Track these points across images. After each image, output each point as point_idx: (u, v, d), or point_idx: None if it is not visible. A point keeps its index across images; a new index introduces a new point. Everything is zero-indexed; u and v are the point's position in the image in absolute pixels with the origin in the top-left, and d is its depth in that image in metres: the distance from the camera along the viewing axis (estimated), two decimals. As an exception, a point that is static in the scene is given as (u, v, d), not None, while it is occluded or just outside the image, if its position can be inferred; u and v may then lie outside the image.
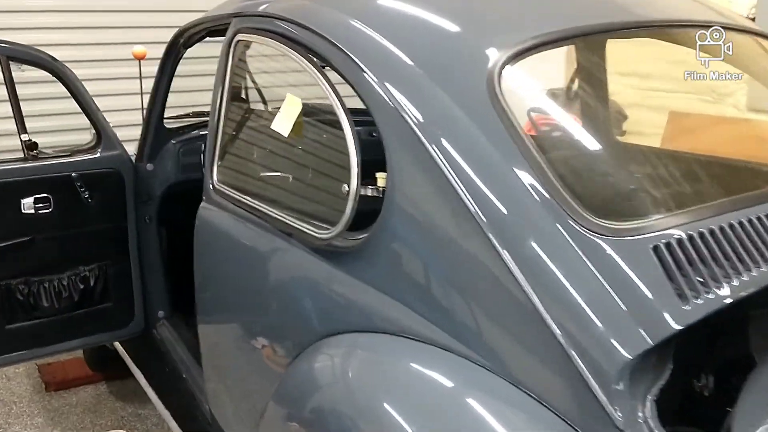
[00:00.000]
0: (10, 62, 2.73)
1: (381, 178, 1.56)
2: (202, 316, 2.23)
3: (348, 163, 1.59)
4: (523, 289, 1.27)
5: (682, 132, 3.95)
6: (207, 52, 2.81)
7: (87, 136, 3.11)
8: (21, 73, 2.78)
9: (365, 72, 1.58)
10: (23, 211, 2.79)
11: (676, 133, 4.03)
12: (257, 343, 1.94)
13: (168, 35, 2.83)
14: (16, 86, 2.76)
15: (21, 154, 2.84)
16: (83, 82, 2.88)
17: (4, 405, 3.66)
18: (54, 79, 2.83)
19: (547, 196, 1.33)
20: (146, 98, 3.02)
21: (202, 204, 2.19)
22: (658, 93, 4.28)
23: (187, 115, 3.30)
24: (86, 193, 2.88)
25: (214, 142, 2.13)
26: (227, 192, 2.07)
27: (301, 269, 1.75)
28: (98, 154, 2.94)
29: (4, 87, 2.75)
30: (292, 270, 1.80)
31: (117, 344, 3.37)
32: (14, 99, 2.77)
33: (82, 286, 2.97)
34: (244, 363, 2.03)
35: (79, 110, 2.91)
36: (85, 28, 5.35)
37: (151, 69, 3.00)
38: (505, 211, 1.35)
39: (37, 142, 2.83)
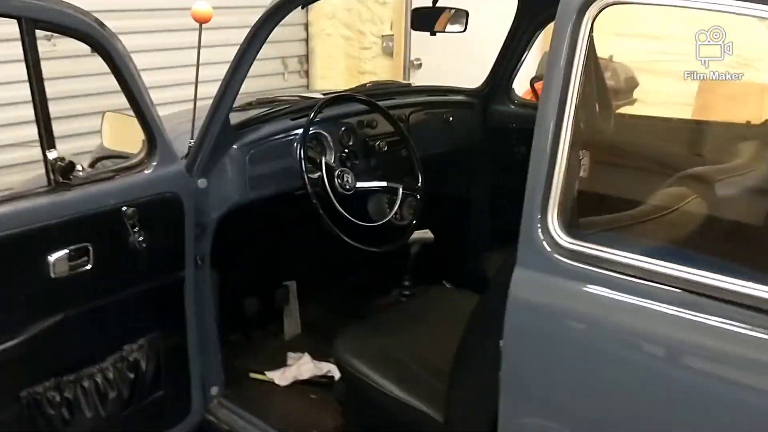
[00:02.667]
0: (37, 31, 1.60)
1: None
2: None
3: None
4: None
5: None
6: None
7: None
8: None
9: None
10: (52, 274, 1.70)
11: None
12: None
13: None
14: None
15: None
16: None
17: None
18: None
19: None
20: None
21: (519, 271, 1.37)
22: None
23: (248, 105, 2.30)
24: (139, 234, 1.85)
25: (551, 172, 1.32)
26: (612, 257, 1.29)
27: None
28: (152, 172, 1.90)
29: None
30: None
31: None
32: (41, 94, 1.64)
33: (131, 376, 1.94)
34: None
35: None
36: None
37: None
38: None
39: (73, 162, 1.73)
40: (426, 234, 2.40)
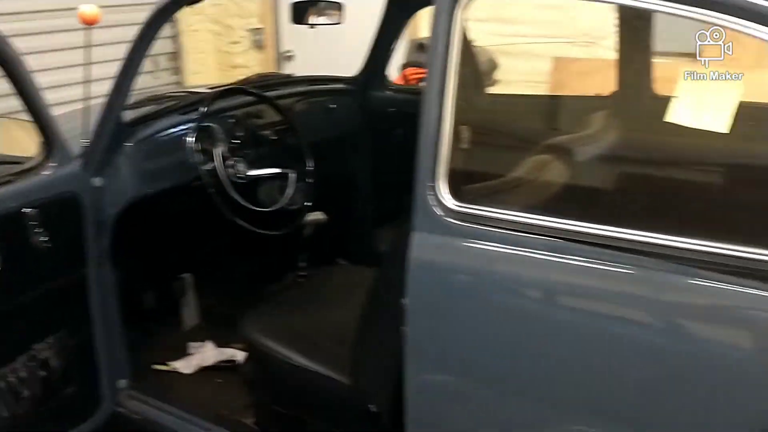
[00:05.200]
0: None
1: None
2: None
3: None
4: None
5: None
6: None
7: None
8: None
9: None
10: (-40, 280, 1.73)
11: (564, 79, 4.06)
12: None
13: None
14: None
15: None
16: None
17: None
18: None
19: None
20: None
21: (417, 235, 1.54)
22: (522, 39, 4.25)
23: (138, 103, 2.34)
24: (41, 234, 1.89)
25: (437, 145, 1.50)
26: (494, 215, 1.48)
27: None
28: (50, 173, 1.94)
29: None
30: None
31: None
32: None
33: (43, 374, 1.98)
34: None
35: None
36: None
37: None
38: None
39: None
40: (319, 216, 2.53)
